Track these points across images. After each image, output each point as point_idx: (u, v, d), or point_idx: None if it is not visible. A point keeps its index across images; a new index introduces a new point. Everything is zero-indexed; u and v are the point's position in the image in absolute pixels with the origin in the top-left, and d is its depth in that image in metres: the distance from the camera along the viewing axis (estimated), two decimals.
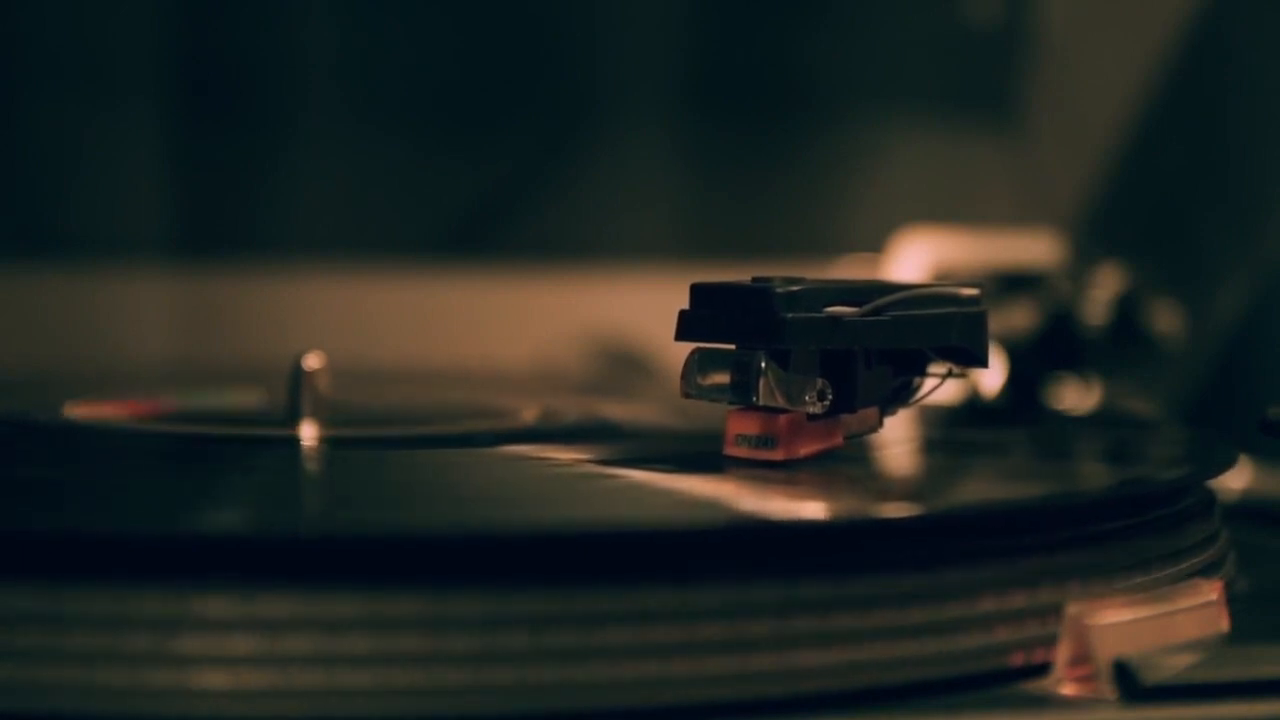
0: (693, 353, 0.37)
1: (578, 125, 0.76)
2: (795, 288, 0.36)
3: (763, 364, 0.36)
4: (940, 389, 0.40)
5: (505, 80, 0.75)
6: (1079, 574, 0.34)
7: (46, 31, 0.72)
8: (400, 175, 0.75)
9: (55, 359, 0.70)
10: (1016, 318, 0.58)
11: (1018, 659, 0.32)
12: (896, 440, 0.43)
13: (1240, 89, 0.65)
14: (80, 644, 0.29)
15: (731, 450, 0.37)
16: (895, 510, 0.35)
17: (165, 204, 0.72)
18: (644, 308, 0.69)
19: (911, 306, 0.38)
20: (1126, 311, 0.58)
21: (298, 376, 0.44)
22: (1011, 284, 0.59)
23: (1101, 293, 0.58)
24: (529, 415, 0.48)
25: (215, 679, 0.29)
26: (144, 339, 0.71)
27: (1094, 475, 0.43)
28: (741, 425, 0.37)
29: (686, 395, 0.38)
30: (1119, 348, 0.58)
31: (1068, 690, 0.32)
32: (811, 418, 0.37)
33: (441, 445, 0.44)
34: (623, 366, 0.70)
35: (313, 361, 0.45)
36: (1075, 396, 0.58)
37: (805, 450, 0.37)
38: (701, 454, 0.39)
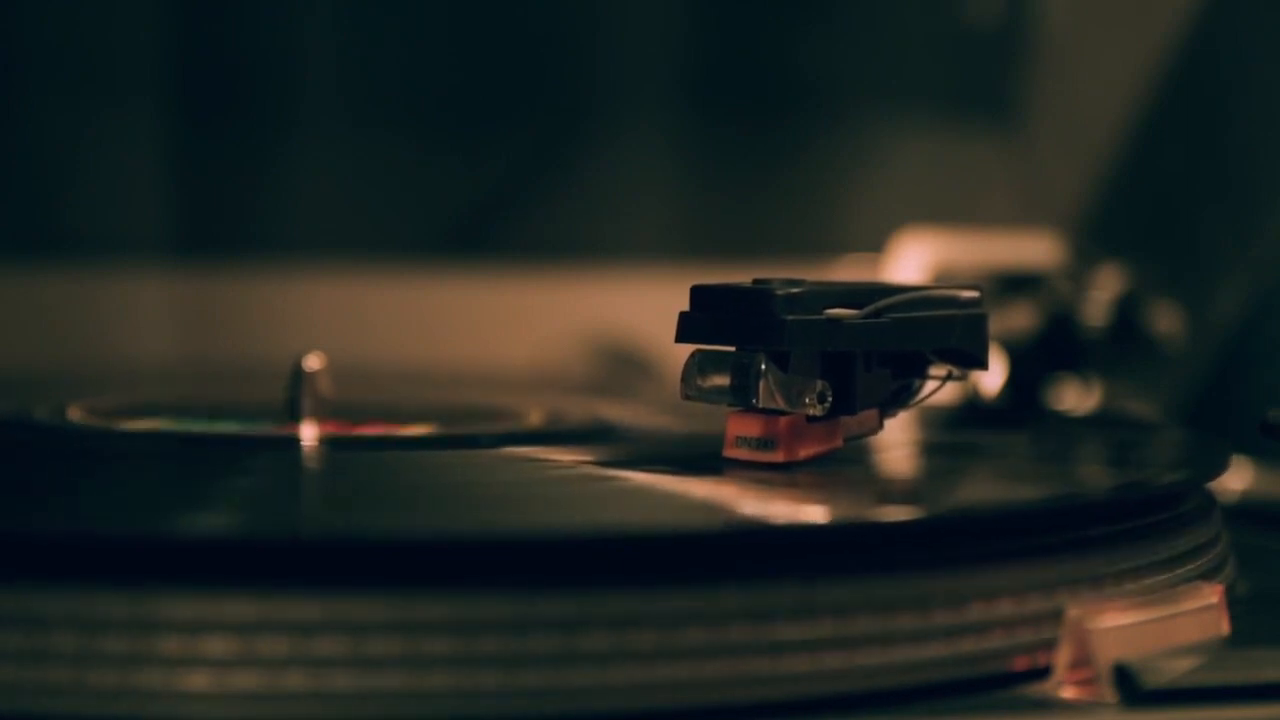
0: (692, 355, 0.37)
1: (577, 125, 0.76)
2: (795, 290, 0.36)
3: (762, 366, 0.36)
4: (940, 391, 0.40)
5: (504, 80, 0.74)
6: (1079, 577, 0.34)
7: (46, 31, 0.72)
8: (399, 175, 0.75)
9: (55, 359, 0.70)
10: (1016, 318, 0.58)
11: (1018, 662, 0.32)
12: (897, 442, 0.43)
13: (1240, 89, 0.65)
14: (72, 646, 0.29)
15: (731, 452, 0.37)
16: (895, 513, 0.35)
17: (165, 204, 0.72)
18: (644, 308, 0.69)
19: (912, 309, 0.38)
20: (1127, 312, 0.58)
21: (298, 376, 0.44)
22: (1011, 285, 0.59)
23: (1102, 293, 0.58)
24: (529, 416, 0.48)
25: (208, 681, 0.29)
26: (144, 339, 0.71)
27: (1094, 478, 0.43)
28: (741, 427, 0.37)
29: (686, 397, 0.38)
30: (1119, 349, 0.58)
31: (1068, 694, 0.32)
32: (811, 420, 0.37)
33: (441, 447, 0.44)
34: (623, 367, 0.70)
35: (313, 361, 0.45)
36: (1075, 398, 0.58)
37: (805, 452, 0.37)
38: (701, 456, 0.39)
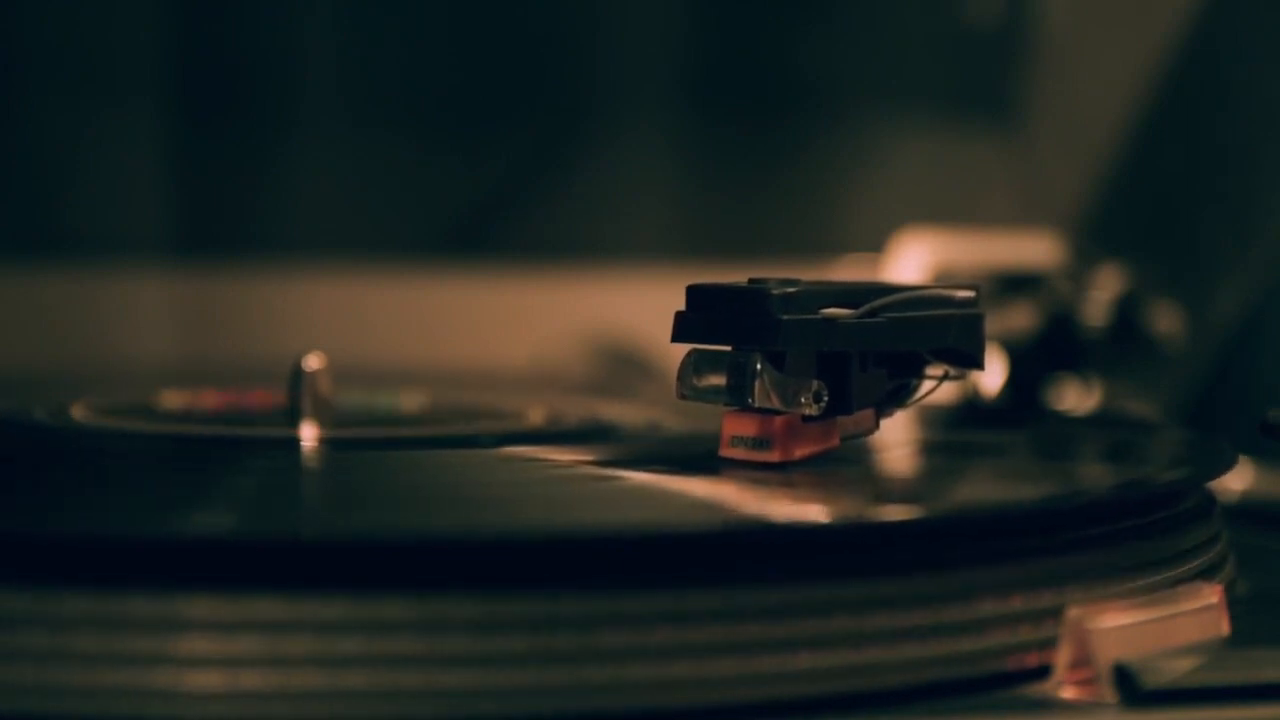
0: (688, 354, 0.37)
1: (577, 125, 0.76)
2: (791, 289, 0.36)
3: (758, 366, 0.36)
4: (937, 390, 0.40)
5: (504, 79, 0.74)
6: (1079, 577, 0.33)
7: (46, 31, 0.72)
8: (399, 175, 0.75)
9: (55, 359, 0.70)
10: (1016, 318, 0.58)
11: (1018, 662, 0.32)
12: (896, 442, 0.43)
13: (1240, 89, 0.65)
14: (71, 647, 0.29)
15: (727, 452, 0.37)
16: (894, 513, 0.35)
17: (165, 204, 0.72)
18: (644, 308, 0.69)
19: (907, 308, 0.38)
20: (1127, 312, 0.58)
21: (298, 376, 0.44)
22: (1011, 285, 0.59)
23: (1101, 293, 0.58)
24: (528, 416, 0.48)
25: (208, 681, 0.29)
26: (144, 339, 0.71)
27: (1094, 477, 0.43)
28: (737, 427, 0.37)
29: (682, 397, 0.37)
30: (1119, 349, 0.58)
31: (1068, 694, 0.32)
32: (807, 419, 0.37)
33: (441, 447, 0.44)
34: (622, 366, 0.70)
35: (313, 362, 0.45)
36: (1075, 397, 0.58)
37: (801, 452, 0.37)
38: (699, 456, 0.39)
